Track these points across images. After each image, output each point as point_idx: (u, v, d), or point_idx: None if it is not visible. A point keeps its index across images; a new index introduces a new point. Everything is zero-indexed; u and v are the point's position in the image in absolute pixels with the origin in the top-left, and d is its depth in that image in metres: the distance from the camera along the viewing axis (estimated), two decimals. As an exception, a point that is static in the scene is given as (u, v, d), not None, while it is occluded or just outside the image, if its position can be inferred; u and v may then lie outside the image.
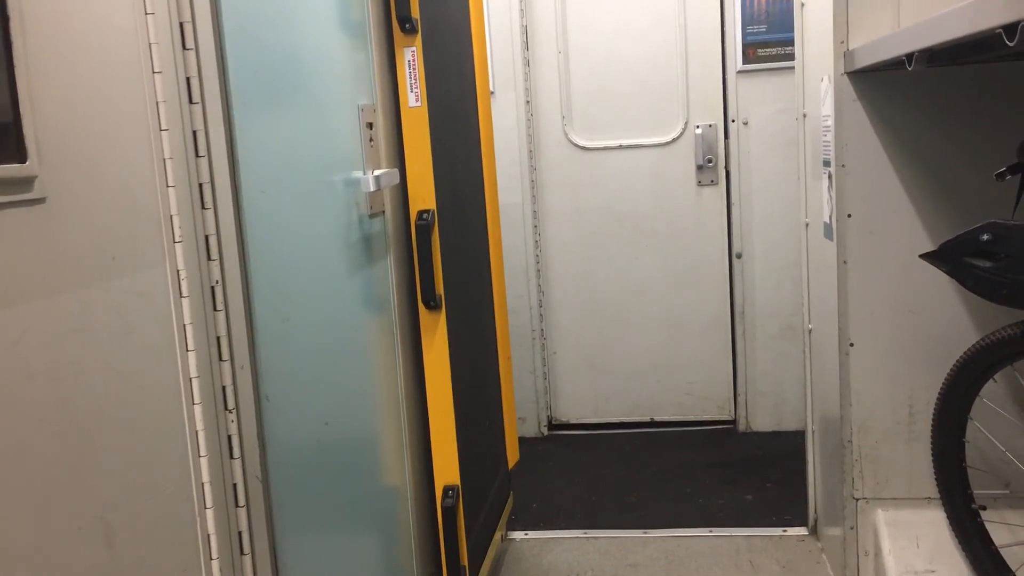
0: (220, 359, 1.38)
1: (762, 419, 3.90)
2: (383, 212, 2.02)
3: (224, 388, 1.38)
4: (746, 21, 3.65)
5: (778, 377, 3.85)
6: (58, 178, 1.07)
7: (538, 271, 3.97)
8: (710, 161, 3.80)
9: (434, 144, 2.09)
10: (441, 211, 2.12)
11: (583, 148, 3.89)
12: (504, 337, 2.89)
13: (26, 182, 1.02)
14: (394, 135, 2.08)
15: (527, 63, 3.86)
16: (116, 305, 1.16)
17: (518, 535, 3.05)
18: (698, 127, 3.79)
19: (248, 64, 1.44)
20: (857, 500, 2.35)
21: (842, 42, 2.21)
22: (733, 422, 3.96)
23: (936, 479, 2.10)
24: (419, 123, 2.06)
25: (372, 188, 1.89)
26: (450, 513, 2.13)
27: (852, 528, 2.37)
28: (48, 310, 1.05)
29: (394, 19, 2.02)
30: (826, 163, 2.36)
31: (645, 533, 2.99)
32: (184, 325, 1.30)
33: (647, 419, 4.03)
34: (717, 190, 3.82)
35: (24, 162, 1.02)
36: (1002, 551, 2.01)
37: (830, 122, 2.29)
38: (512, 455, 2.97)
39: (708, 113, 3.79)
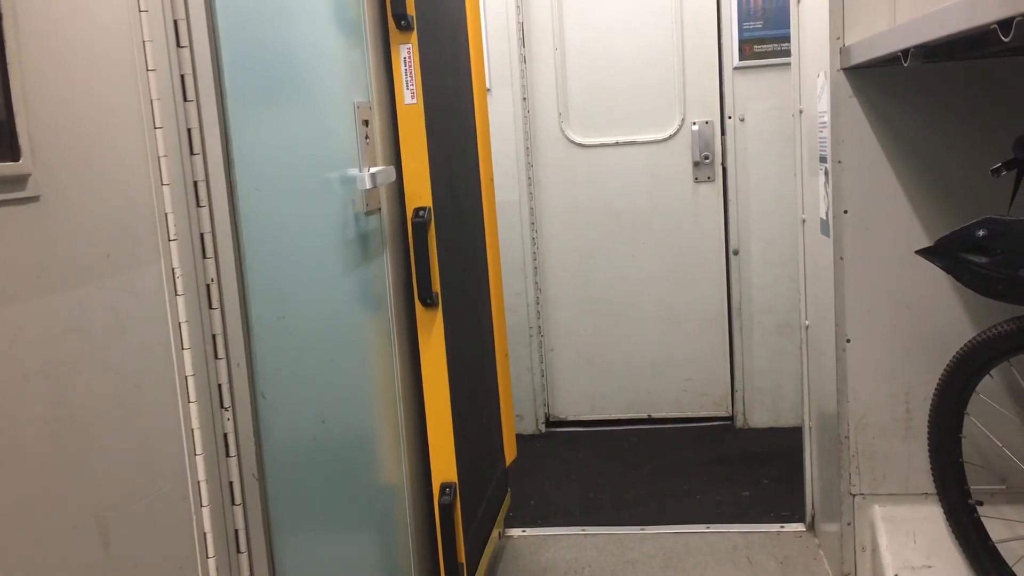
0: (216, 357, 1.37)
1: (759, 415, 3.91)
2: (379, 210, 2.01)
3: (220, 386, 1.38)
4: (742, 17, 3.65)
5: (775, 373, 3.85)
6: (52, 176, 1.07)
7: (535, 268, 3.97)
8: (707, 158, 3.80)
9: (430, 141, 2.08)
10: (438, 208, 2.12)
11: (580, 145, 3.89)
12: (501, 334, 2.89)
13: (19, 180, 1.02)
14: (390, 132, 2.07)
15: (523, 60, 3.86)
16: (111, 303, 1.16)
17: (516, 532, 3.05)
18: (695, 124, 3.79)
19: (243, 61, 1.44)
20: (854, 496, 2.35)
21: (838, 38, 2.21)
22: (730, 418, 3.97)
23: (933, 475, 2.10)
24: (415, 120, 2.06)
25: (368, 186, 1.89)
26: (447, 510, 2.13)
27: (849, 524, 2.37)
28: (43, 309, 1.04)
29: (389, 16, 2.02)
30: (822, 159, 2.36)
31: (643, 530, 2.99)
32: (179, 323, 1.30)
33: (644, 416, 4.03)
34: (714, 186, 3.82)
35: (17, 160, 1.02)
36: (999, 546, 2.01)
37: (826, 118, 2.29)
38: (510, 452, 2.97)
39: (705, 110, 3.79)
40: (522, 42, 3.85)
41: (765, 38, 3.64)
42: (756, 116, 3.72)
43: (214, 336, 1.37)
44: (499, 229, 3.01)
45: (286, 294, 1.57)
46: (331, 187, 1.78)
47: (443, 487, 2.14)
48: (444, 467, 2.15)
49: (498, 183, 3.12)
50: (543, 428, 4.06)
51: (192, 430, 1.31)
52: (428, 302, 2.08)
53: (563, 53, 3.86)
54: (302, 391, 1.63)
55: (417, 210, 2.06)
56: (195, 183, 1.35)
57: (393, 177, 2.02)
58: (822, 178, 2.38)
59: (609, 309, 3.98)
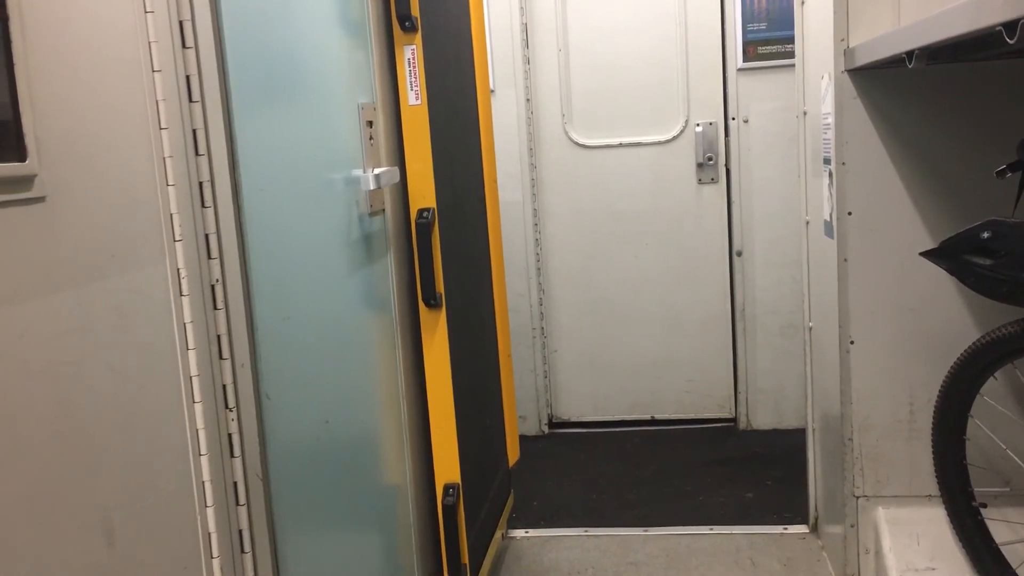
0: (220, 357, 1.38)
1: (763, 417, 3.90)
2: (383, 210, 2.02)
3: (224, 386, 1.38)
4: (746, 19, 3.65)
5: (778, 375, 3.85)
6: (58, 177, 1.07)
7: (538, 269, 3.97)
8: (710, 159, 3.79)
9: (434, 142, 2.09)
10: (441, 209, 2.12)
11: (583, 146, 3.89)
12: (504, 335, 2.89)
13: (26, 181, 1.02)
14: (394, 133, 2.08)
15: (527, 61, 3.86)
16: (116, 304, 1.16)
17: (519, 533, 3.05)
18: (698, 125, 3.79)
19: (248, 62, 1.44)
20: (858, 498, 2.35)
21: (842, 40, 2.20)
22: (734, 420, 3.96)
23: (937, 477, 2.10)
24: (419, 121, 2.06)
25: (372, 186, 1.89)
26: (451, 511, 2.13)
27: (853, 526, 2.37)
28: (48, 308, 1.05)
29: (394, 17, 2.02)
30: (826, 161, 2.36)
31: (645, 531, 2.99)
32: (184, 323, 1.30)
33: (647, 417, 4.03)
34: (717, 188, 3.82)
35: (24, 161, 1.02)
36: (1002, 549, 2.01)
37: (830, 120, 2.28)
38: (513, 453, 2.97)
39: (708, 111, 3.79)
40: (526, 43, 3.85)
41: (769, 39, 3.64)
42: (760, 117, 3.72)
43: (219, 336, 1.37)
44: (502, 230, 3.01)
45: (290, 295, 1.58)
46: (335, 188, 1.78)
47: (446, 488, 2.15)
48: (447, 468, 2.15)
49: (501, 184, 3.13)
50: (546, 429, 4.06)
51: (197, 430, 1.32)
52: (432, 303, 2.08)
53: (567, 54, 3.86)
54: (306, 392, 1.63)
55: (421, 211, 2.06)
56: (200, 184, 1.35)
57: (397, 178, 2.02)
58: (826, 180, 2.38)
59: (612, 310, 3.98)
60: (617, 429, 4.01)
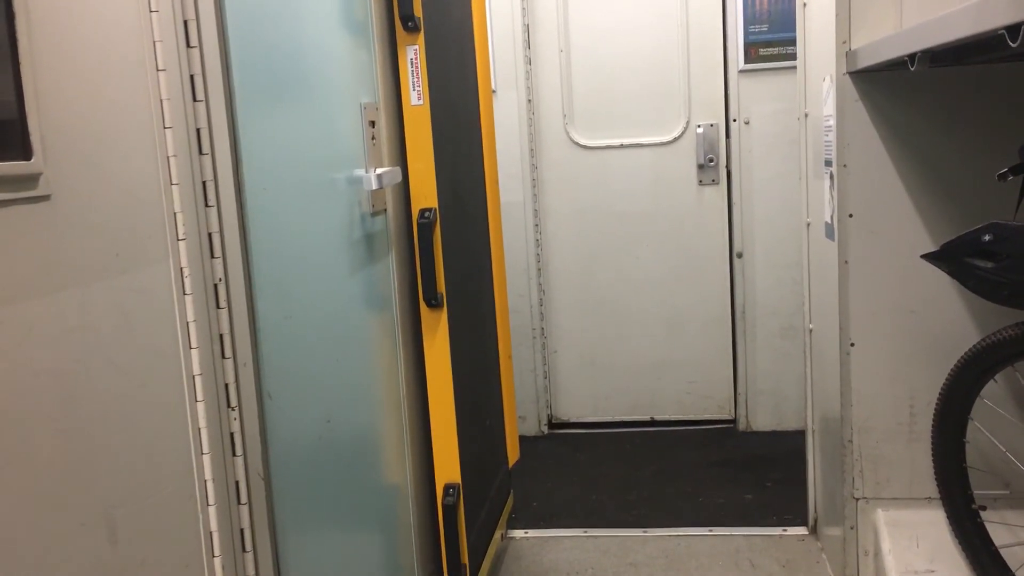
0: (223, 356, 1.38)
1: (762, 418, 3.91)
2: (385, 210, 2.02)
3: (227, 386, 1.39)
4: (748, 20, 3.65)
5: (778, 376, 3.85)
6: (62, 175, 1.07)
7: (539, 270, 3.97)
8: (711, 160, 3.80)
9: (436, 142, 2.09)
10: (443, 209, 2.12)
11: (584, 147, 3.90)
12: (505, 336, 2.89)
13: (31, 179, 1.03)
14: (396, 133, 2.08)
15: (529, 62, 3.86)
16: (119, 302, 1.17)
17: (518, 533, 3.05)
18: (699, 126, 3.79)
19: (251, 62, 1.44)
20: (857, 500, 2.35)
21: (844, 42, 2.21)
22: (733, 421, 3.96)
23: (936, 479, 2.10)
24: (421, 121, 2.06)
25: (374, 186, 1.90)
26: (451, 511, 2.14)
27: (852, 528, 2.37)
28: (52, 307, 1.05)
29: (397, 17, 2.02)
30: (828, 163, 2.36)
31: (645, 532, 2.99)
32: (187, 322, 1.30)
33: (647, 418, 4.03)
34: (718, 189, 3.82)
35: (29, 159, 1.02)
36: (1002, 551, 2.01)
37: (832, 122, 2.29)
38: (512, 454, 2.97)
39: (709, 112, 3.79)
40: (527, 44, 3.85)
41: (770, 41, 3.64)
42: (761, 119, 3.72)
43: (221, 336, 1.38)
44: (503, 230, 3.01)
45: (292, 294, 1.58)
46: (337, 187, 1.79)
47: (446, 488, 2.15)
48: (448, 468, 2.15)
49: (503, 184, 3.13)
50: (546, 430, 4.06)
51: (199, 429, 1.32)
52: (433, 303, 2.08)
53: (568, 55, 3.86)
54: (308, 391, 1.63)
55: (423, 211, 2.06)
56: (204, 183, 1.35)
57: (399, 178, 2.02)
58: (827, 182, 2.38)
59: (612, 311, 3.98)
60: (617, 430, 4.01)
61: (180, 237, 1.29)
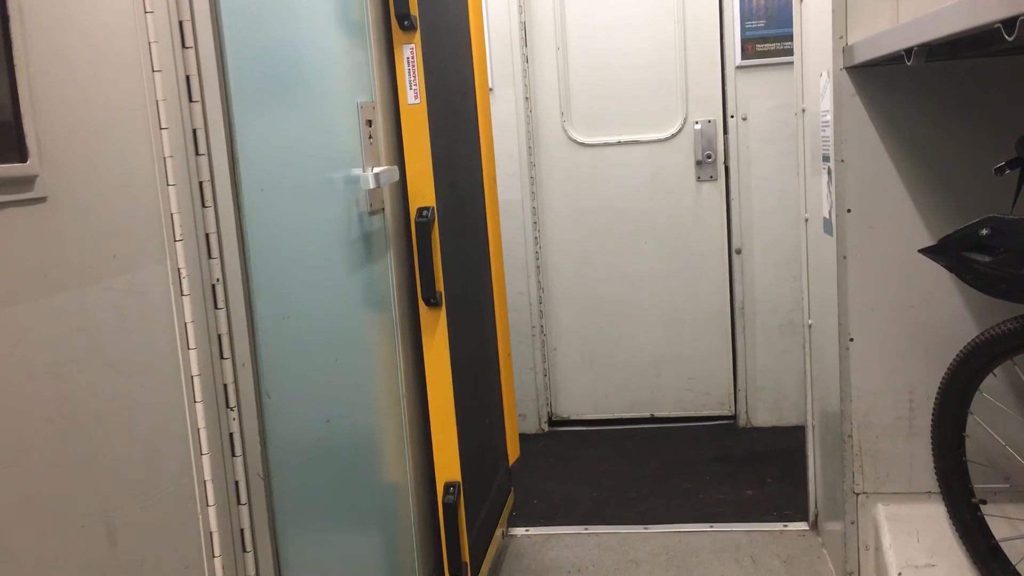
0: (221, 357, 1.38)
1: (762, 414, 3.91)
2: (383, 209, 2.02)
3: (225, 386, 1.39)
4: (745, 16, 3.65)
5: (778, 372, 3.85)
6: (59, 177, 1.07)
7: (538, 267, 3.97)
8: (709, 157, 3.80)
9: (433, 141, 2.09)
10: (441, 208, 2.12)
11: (582, 144, 3.89)
12: (504, 334, 2.89)
13: (27, 181, 1.02)
14: (393, 132, 2.08)
15: (526, 59, 3.86)
16: (117, 304, 1.17)
17: (519, 531, 3.05)
18: (697, 123, 3.79)
19: (247, 62, 1.44)
20: (857, 495, 2.36)
21: (841, 37, 2.21)
22: (733, 417, 3.97)
23: (936, 473, 2.11)
24: (418, 120, 2.06)
25: (372, 185, 1.90)
26: (451, 509, 2.14)
27: (853, 523, 2.37)
28: (49, 308, 1.05)
29: (393, 16, 2.02)
30: (825, 158, 2.36)
31: (646, 529, 3.00)
32: (185, 323, 1.30)
33: (647, 415, 4.03)
34: (716, 186, 3.82)
35: (25, 161, 1.02)
36: (1002, 545, 2.01)
37: (829, 117, 2.29)
38: (513, 451, 2.97)
39: (707, 109, 3.79)
40: (524, 41, 3.85)
41: (767, 37, 3.64)
42: (758, 115, 3.72)
43: (219, 336, 1.38)
44: (502, 228, 3.01)
45: (291, 294, 1.58)
46: (335, 187, 1.78)
47: (447, 486, 2.15)
48: (448, 466, 2.15)
49: (500, 182, 3.13)
50: (546, 427, 4.06)
51: (198, 430, 1.32)
52: (432, 302, 2.08)
53: (565, 52, 3.86)
54: (307, 391, 1.63)
55: (421, 210, 2.06)
56: (200, 184, 1.35)
57: (396, 177, 2.02)
58: (825, 177, 2.38)
59: (611, 308, 3.98)
60: (617, 427, 4.01)
61: (177, 238, 1.29)
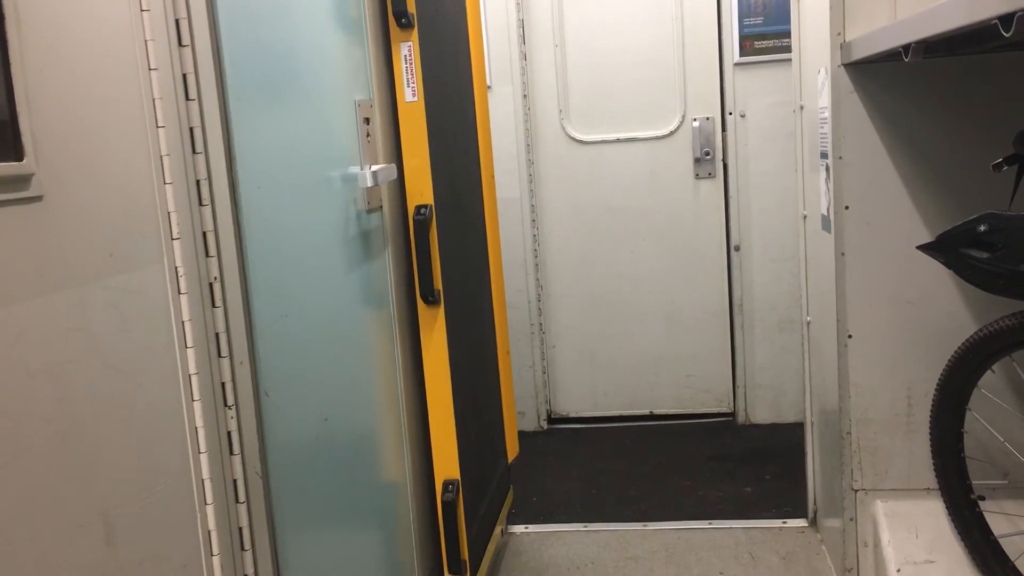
0: (219, 355, 1.38)
1: (761, 411, 3.91)
2: (381, 207, 2.02)
3: (223, 384, 1.39)
4: (743, 13, 3.64)
5: (777, 369, 3.86)
6: (55, 176, 1.07)
7: (536, 265, 3.97)
8: (708, 154, 3.79)
9: (431, 139, 2.08)
10: (439, 206, 2.12)
11: (580, 142, 3.89)
12: (503, 331, 2.89)
13: (23, 180, 1.02)
14: (391, 130, 2.08)
15: (524, 57, 3.85)
16: (114, 302, 1.16)
17: (518, 529, 3.06)
18: (695, 120, 3.79)
19: (244, 60, 1.44)
20: (856, 491, 2.36)
21: (839, 34, 2.20)
22: (732, 415, 3.97)
23: (935, 470, 2.11)
24: (416, 118, 2.06)
25: (369, 183, 1.89)
26: (450, 507, 2.14)
27: (852, 519, 2.38)
28: (46, 308, 1.05)
29: (390, 14, 2.02)
30: (823, 155, 2.36)
31: (645, 526, 3.00)
32: (183, 322, 1.30)
33: (646, 412, 4.03)
34: (715, 183, 3.82)
35: (21, 160, 1.02)
36: (1001, 541, 2.01)
37: (827, 114, 2.29)
38: (512, 449, 2.97)
39: (705, 106, 3.79)
40: (522, 39, 3.85)
41: (765, 34, 3.64)
42: (757, 112, 3.72)
43: (217, 334, 1.38)
44: (500, 226, 3.01)
45: (288, 292, 1.58)
46: (333, 185, 1.78)
47: (446, 484, 2.15)
48: (446, 464, 2.15)
49: (499, 180, 3.12)
50: (545, 425, 4.06)
51: (196, 428, 1.32)
52: (430, 300, 2.08)
53: (563, 50, 3.86)
54: (305, 389, 1.63)
55: (419, 208, 2.06)
56: (197, 182, 1.35)
57: (394, 175, 2.02)
58: (823, 174, 2.38)
59: (610, 306, 3.98)
60: (616, 424, 4.01)
61: (174, 236, 1.29)
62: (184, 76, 1.33)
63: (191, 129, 1.34)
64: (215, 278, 1.37)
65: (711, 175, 3.82)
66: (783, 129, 3.64)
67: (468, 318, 2.44)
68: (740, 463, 3.50)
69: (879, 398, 2.31)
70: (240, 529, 1.41)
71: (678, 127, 3.81)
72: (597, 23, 3.82)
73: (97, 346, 1.13)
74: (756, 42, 3.66)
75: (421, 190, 2.07)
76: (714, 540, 2.87)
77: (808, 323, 2.77)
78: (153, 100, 1.26)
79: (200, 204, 1.35)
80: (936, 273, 2.19)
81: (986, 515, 2.05)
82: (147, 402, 1.22)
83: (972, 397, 2.02)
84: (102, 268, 1.15)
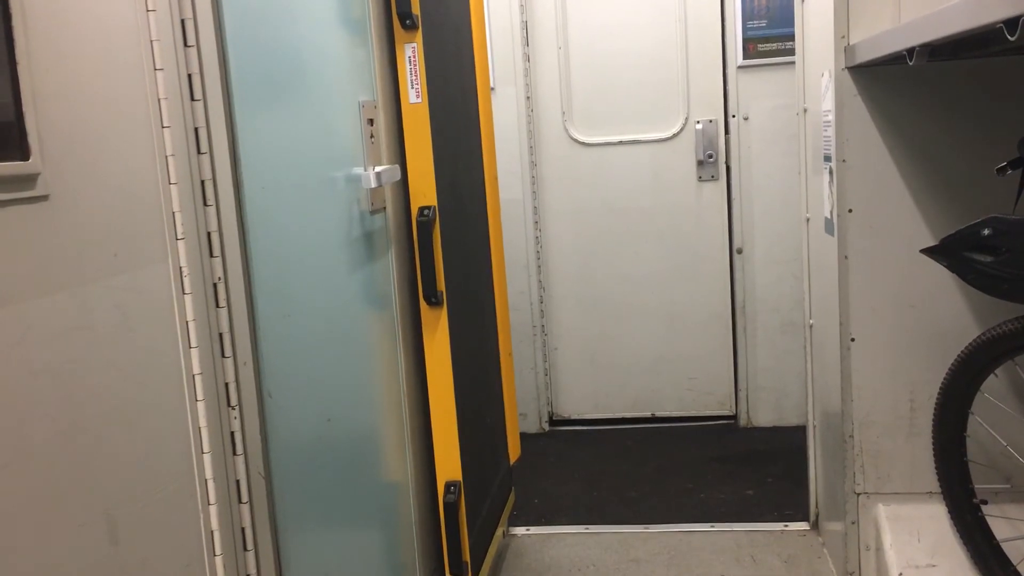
0: (223, 356, 1.38)
1: (763, 414, 3.91)
2: (384, 208, 2.02)
3: (227, 385, 1.39)
4: (746, 16, 3.65)
5: (779, 372, 3.85)
6: (60, 175, 1.07)
7: (539, 267, 3.97)
8: (711, 156, 3.79)
9: (435, 140, 2.09)
10: (442, 207, 2.12)
11: (583, 144, 3.89)
12: (505, 333, 2.89)
13: (29, 180, 1.02)
14: (395, 131, 2.08)
15: (527, 59, 3.86)
16: (118, 302, 1.17)
17: (520, 531, 3.06)
18: (698, 122, 3.79)
19: (249, 61, 1.44)
20: (858, 495, 2.35)
21: (843, 37, 2.20)
22: (734, 417, 3.97)
23: (937, 474, 2.10)
24: (420, 119, 2.06)
25: (373, 184, 1.90)
26: (452, 509, 2.14)
27: (853, 523, 2.37)
28: (51, 307, 1.05)
29: (395, 15, 2.02)
30: (827, 158, 2.36)
31: (646, 528, 3.00)
32: (187, 322, 1.30)
33: (648, 414, 4.03)
34: (718, 185, 3.82)
35: (27, 160, 1.02)
36: (1003, 545, 2.01)
37: (831, 117, 2.29)
38: (513, 451, 2.97)
39: (708, 108, 3.79)
40: (526, 41, 3.85)
41: (769, 37, 3.64)
42: (760, 115, 3.72)
43: (221, 335, 1.38)
44: (503, 228, 3.01)
45: (292, 293, 1.58)
46: (336, 186, 1.78)
47: (447, 485, 2.15)
48: (449, 466, 2.15)
49: (502, 182, 3.13)
50: (547, 427, 4.06)
51: (199, 428, 1.32)
52: (433, 301, 2.08)
53: (567, 52, 3.86)
54: (308, 390, 1.63)
55: (422, 209, 2.06)
56: (202, 182, 1.35)
57: (398, 176, 2.02)
58: (826, 177, 2.38)
59: (613, 308, 3.98)
60: (618, 426, 4.01)
61: (179, 236, 1.29)
62: (189, 76, 1.33)
63: (196, 129, 1.34)
64: (219, 278, 1.37)
65: (714, 178, 3.82)
66: (786, 132, 3.64)
67: (470, 320, 2.44)
68: (742, 466, 3.50)
69: (881, 401, 2.31)
70: (243, 529, 1.41)
71: (681, 129, 3.82)
72: (600, 25, 3.82)
73: (101, 346, 1.13)
74: (759, 45, 3.66)
75: (424, 191, 2.07)
76: (716, 543, 2.86)
77: (811, 326, 2.77)
78: (158, 100, 1.27)
79: (204, 204, 1.35)
80: (939, 277, 2.19)
81: (988, 519, 2.04)
82: (150, 402, 1.22)
83: (975, 401, 2.02)
84: (106, 268, 1.15)
